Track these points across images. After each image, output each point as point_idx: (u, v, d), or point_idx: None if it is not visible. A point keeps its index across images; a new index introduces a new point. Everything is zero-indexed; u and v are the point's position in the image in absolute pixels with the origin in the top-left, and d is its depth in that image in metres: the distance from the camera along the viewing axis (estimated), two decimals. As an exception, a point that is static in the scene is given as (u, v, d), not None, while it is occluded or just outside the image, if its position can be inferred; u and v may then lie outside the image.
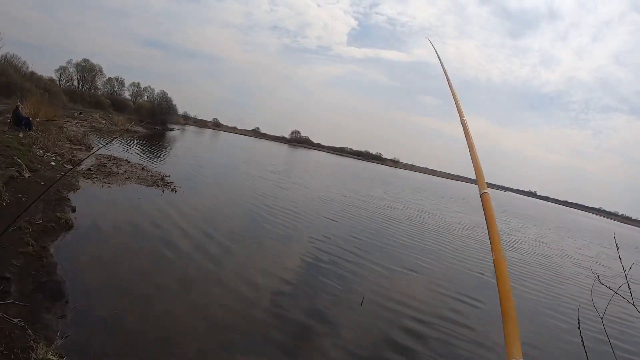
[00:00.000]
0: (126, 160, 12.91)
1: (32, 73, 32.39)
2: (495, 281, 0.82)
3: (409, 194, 27.73)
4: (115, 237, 5.76)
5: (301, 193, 15.28)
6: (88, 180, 8.74)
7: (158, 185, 9.96)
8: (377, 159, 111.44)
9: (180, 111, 65.82)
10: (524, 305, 6.76)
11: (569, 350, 5.22)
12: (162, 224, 6.89)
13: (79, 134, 16.12)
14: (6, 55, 28.44)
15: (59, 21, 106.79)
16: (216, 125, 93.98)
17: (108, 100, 47.12)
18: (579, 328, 1.47)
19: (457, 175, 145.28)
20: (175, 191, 9.75)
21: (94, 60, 53.51)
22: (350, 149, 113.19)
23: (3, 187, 5.63)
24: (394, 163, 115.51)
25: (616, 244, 1.64)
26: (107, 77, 55.01)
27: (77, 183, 8.13)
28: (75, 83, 50.59)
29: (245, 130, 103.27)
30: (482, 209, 0.98)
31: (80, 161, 10.20)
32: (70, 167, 9.39)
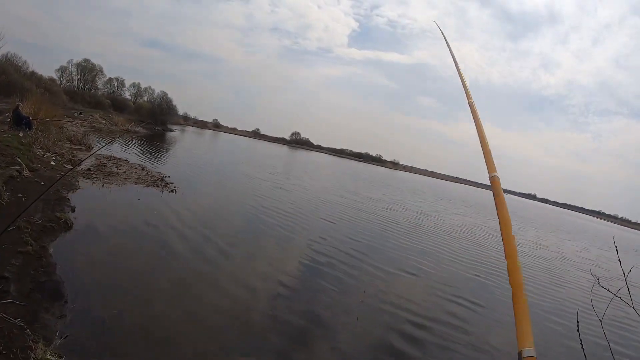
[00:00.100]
0: (126, 160, 12.91)
1: (33, 72, 32.29)
2: (506, 274, 0.82)
3: (407, 195, 27.72)
4: (114, 237, 5.76)
5: (300, 194, 15.28)
6: (88, 180, 8.74)
7: (158, 186, 9.96)
8: (377, 160, 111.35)
9: (181, 112, 65.72)
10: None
11: (568, 353, 5.21)
12: (161, 224, 6.89)
13: (79, 134, 16.12)
14: (7, 54, 28.40)
15: (60, 21, 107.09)
16: (216, 126, 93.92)
17: (108, 101, 47.12)
18: (578, 331, 1.47)
19: (457, 177, 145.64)
20: (175, 192, 9.76)
21: (95, 61, 53.57)
22: (350, 150, 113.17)
23: (3, 187, 5.62)
24: (394, 165, 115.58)
25: (615, 247, 1.65)
26: (107, 77, 55.12)
27: (76, 183, 8.13)
28: (75, 83, 50.58)
29: (245, 131, 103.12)
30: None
31: (80, 161, 10.19)
32: (70, 167, 9.38)
